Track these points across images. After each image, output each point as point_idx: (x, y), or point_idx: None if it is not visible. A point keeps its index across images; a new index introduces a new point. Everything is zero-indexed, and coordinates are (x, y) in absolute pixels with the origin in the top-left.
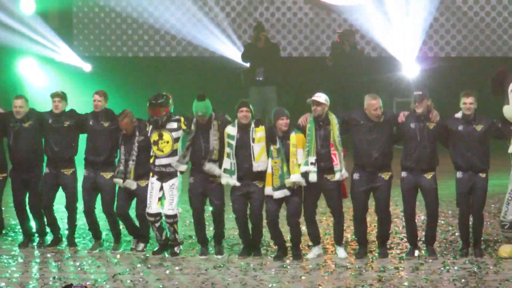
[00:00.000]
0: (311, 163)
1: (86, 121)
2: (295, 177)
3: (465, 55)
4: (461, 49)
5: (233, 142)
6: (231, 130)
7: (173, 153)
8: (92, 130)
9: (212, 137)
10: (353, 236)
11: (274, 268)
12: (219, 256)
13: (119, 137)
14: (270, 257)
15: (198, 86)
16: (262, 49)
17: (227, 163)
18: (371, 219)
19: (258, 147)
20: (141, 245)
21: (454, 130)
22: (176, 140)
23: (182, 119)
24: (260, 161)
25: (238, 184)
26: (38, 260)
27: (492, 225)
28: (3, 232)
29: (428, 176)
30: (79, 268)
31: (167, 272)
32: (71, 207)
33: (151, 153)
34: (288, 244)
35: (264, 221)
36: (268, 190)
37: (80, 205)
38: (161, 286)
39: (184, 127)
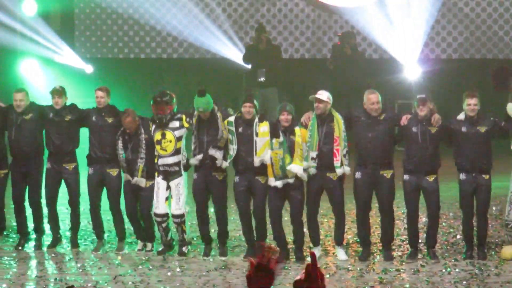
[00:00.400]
0: (312, 158)
1: (88, 116)
2: (295, 168)
3: (467, 57)
4: (462, 51)
5: (233, 128)
6: (230, 117)
7: (176, 151)
8: (96, 126)
9: (220, 127)
10: (355, 238)
11: None
12: (223, 258)
13: (118, 133)
14: None
15: (199, 87)
16: (263, 50)
17: (231, 150)
18: (373, 220)
19: (261, 142)
20: (149, 245)
21: (458, 131)
22: (179, 139)
23: (184, 116)
24: (262, 155)
25: (226, 164)
26: (39, 261)
27: (494, 227)
28: (4, 233)
29: (430, 178)
30: (81, 270)
31: (169, 273)
32: (73, 203)
33: (155, 153)
34: (290, 246)
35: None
36: (271, 181)
37: (82, 206)
38: (162, 287)
39: (186, 125)
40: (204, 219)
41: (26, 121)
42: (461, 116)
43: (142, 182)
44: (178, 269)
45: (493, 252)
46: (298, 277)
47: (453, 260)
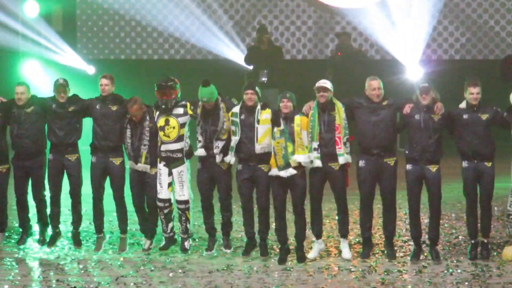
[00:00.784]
0: (314, 149)
1: (91, 106)
2: (299, 158)
3: (469, 58)
4: (464, 52)
5: (237, 119)
6: (235, 108)
7: (180, 138)
8: (100, 114)
9: (221, 118)
10: (357, 239)
11: (277, 271)
12: (227, 250)
13: (125, 121)
14: (273, 259)
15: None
16: (265, 51)
17: (233, 141)
18: (375, 221)
19: (262, 129)
20: (148, 243)
21: (459, 119)
22: (182, 125)
23: (188, 104)
24: (263, 143)
25: (232, 159)
26: (41, 263)
27: (496, 227)
28: (6, 234)
29: (433, 168)
30: (83, 271)
31: (171, 274)
32: (75, 194)
33: (158, 139)
34: (291, 247)
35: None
36: (273, 171)
37: (84, 207)
38: None
39: (190, 112)
40: (209, 210)
41: (28, 115)
42: (463, 105)
43: (146, 168)
44: (180, 270)
45: (495, 253)
46: None
47: (455, 261)
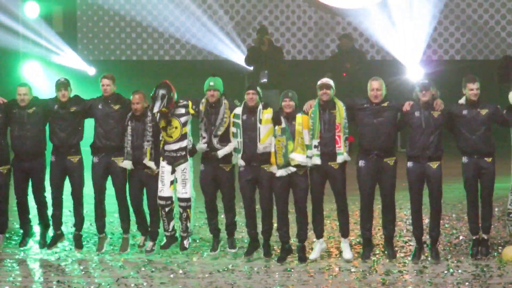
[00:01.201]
0: (314, 146)
1: (94, 106)
2: (297, 157)
3: (469, 58)
4: (465, 52)
5: (239, 121)
6: (238, 110)
7: (182, 137)
8: (102, 114)
9: (221, 115)
10: (357, 240)
11: (278, 272)
12: (233, 250)
13: (126, 118)
14: (274, 260)
15: (202, 90)
16: (265, 52)
17: (234, 142)
18: (376, 222)
19: (264, 129)
20: (150, 244)
21: (459, 115)
22: (184, 124)
23: (190, 103)
24: (266, 142)
25: (242, 163)
26: (42, 264)
27: (496, 228)
28: (7, 235)
29: (434, 165)
30: (83, 272)
31: (172, 275)
32: (77, 195)
33: (160, 138)
34: (293, 247)
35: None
36: (273, 169)
37: (85, 208)
38: None
39: (192, 111)
40: (213, 211)
41: (30, 115)
42: (462, 100)
43: (152, 164)
44: (181, 271)
45: (495, 253)
46: None
47: (456, 261)
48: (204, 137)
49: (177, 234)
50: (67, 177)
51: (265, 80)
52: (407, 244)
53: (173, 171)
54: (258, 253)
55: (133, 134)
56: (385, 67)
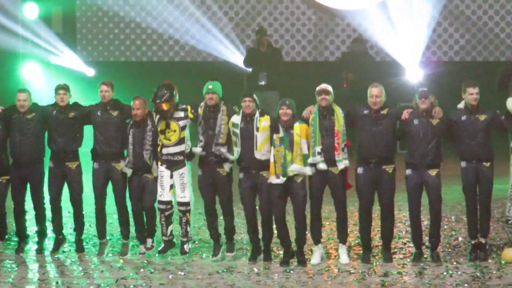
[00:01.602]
0: (318, 153)
1: (92, 112)
2: (296, 168)
3: (468, 60)
4: (464, 53)
5: (237, 130)
6: (236, 118)
7: (180, 141)
8: (101, 121)
9: (219, 121)
10: (357, 241)
11: (277, 273)
12: (230, 254)
13: (128, 126)
14: (273, 261)
15: (201, 91)
16: (264, 53)
17: (236, 153)
18: (375, 223)
19: (261, 136)
20: (150, 241)
21: (457, 121)
22: (183, 128)
23: (189, 107)
24: (263, 150)
25: (232, 157)
26: (41, 265)
27: (496, 229)
28: (6, 237)
29: (433, 173)
30: (83, 273)
31: (171, 276)
32: (76, 201)
33: (158, 142)
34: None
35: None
36: (271, 179)
37: (84, 209)
38: None
39: (191, 115)
40: (213, 215)
41: (29, 121)
42: (461, 105)
43: (155, 169)
44: (180, 272)
45: (495, 255)
46: None
47: (455, 263)
48: (201, 141)
49: (175, 239)
50: (65, 183)
51: (263, 81)
52: (406, 245)
53: (171, 175)
54: (259, 257)
55: (134, 142)
56: (384, 68)
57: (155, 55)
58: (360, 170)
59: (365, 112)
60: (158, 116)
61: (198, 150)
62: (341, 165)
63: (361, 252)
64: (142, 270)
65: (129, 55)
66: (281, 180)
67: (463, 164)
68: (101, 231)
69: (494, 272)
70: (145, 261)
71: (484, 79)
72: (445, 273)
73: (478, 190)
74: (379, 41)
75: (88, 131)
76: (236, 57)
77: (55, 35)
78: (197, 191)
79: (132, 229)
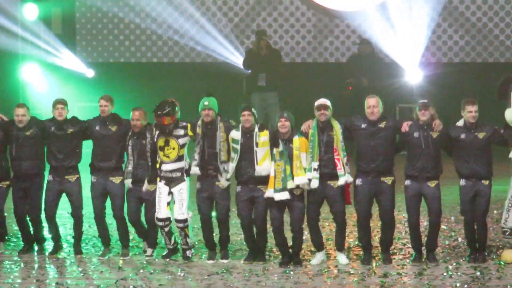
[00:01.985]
0: (314, 169)
1: (91, 127)
2: (299, 180)
3: (468, 61)
4: (463, 55)
5: (238, 147)
6: (236, 134)
7: (179, 158)
8: (100, 135)
9: (218, 139)
10: (356, 242)
11: (277, 274)
12: (225, 261)
13: (127, 138)
14: (273, 262)
15: (201, 92)
16: (264, 55)
17: (231, 167)
18: (374, 224)
19: (261, 152)
20: (149, 250)
21: (457, 138)
22: (182, 146)
23: (189, 125)
24: (264, 165)
25: (227, 183)
26: (40, 266)
27: (495, 230)
28: (6, 238)
29: (432, 184)
30: (82, 274)
31: (171, 277)
32: (77, 214)
33: (157, 159)
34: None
35: (269, 227)
36: (269, 192)
37: (84, 211)
38: None
39: (191, 133)
40: (208, 227)
41: (28, 138)
42: (460, 123)
43: (146, 186)
44: (179, 273)
45: (494, 256)
46: None
47: (454, 264)
48: (195, 160)
49: (178, 246)
50: (62, 196)
51: (263, 83)
52: (405, 246)
53: (169, 192)
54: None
55: (133, 152)
56: (384, 69)
57: (154, 56)
58: (358, 181)
59: (363, 126)
60: (157, 132)
61: (196, 170)
62: (342, 180)
63: (362, 253)
64: (141, 270)
65: (128, 56)
66: (279, 196)
67: (462, 182)
68: (105, 241)
69: (494, 273)
70: (145, 262)
71: (484, 81)
72: (444, 274)
73: (475, 206)
74: (378, 42)
75: (88, 145)
76: (235, 58)
77: (54, 36)
78: (195, 204)
79: (131, 236)
